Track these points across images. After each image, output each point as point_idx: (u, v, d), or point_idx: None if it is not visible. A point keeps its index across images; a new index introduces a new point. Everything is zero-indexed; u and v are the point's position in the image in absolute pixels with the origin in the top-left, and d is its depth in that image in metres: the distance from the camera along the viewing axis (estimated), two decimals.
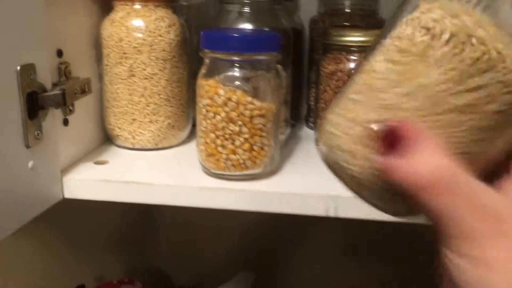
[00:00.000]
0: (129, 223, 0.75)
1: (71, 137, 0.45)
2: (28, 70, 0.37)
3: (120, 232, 0.74)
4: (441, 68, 0.22)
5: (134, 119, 0.49)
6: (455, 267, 0.21)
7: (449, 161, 0.21)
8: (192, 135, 0.52)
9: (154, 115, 0.49)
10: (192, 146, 0.51)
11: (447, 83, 0.22)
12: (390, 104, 0.23)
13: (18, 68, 0.36)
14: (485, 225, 0.20)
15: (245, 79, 0.42)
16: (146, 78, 0.48)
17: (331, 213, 0.42)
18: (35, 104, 0.38)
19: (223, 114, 0.42)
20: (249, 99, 0.41)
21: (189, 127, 0.54)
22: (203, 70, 0.44)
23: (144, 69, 0.48)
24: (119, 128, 0.50)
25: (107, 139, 0.53)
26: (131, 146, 0.51)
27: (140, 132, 0.50)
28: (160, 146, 0.51)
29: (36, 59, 0.38)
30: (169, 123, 0.50)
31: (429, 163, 0.21)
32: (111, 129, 0.51)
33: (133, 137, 0.50)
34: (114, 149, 0.51)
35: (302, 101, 0.63)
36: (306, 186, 0.43)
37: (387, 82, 0.23)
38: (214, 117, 0.42)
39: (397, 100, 0.23)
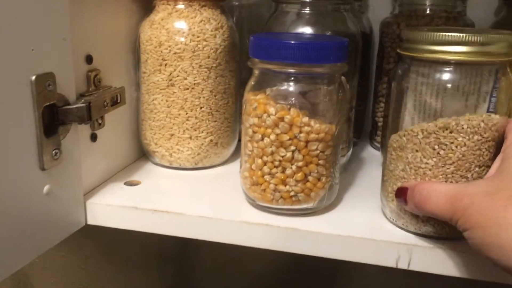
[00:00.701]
0: (167, 242, 0.69)
1: (99, 154, 0.40)
2: (45, 80, 0.31)
3: (158, 250, 0.69)
4: None
5: (172, 134, 0.43)
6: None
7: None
8: (237, 152, 0.46)
9: (195, 130, 0.43)
10: (237, 167, 0.44)
11: None
12: None
13: (33, 78, 0.30)
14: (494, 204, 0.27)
15: (302, 95, 0.35)
16: (187, 89, 0.42)
17: (403, 265, 0.34)
18: (54, 119, 0.33)
19: (273, 137, 0.34)
20: (306, 119, 0.34)
21: (235, 144, 0.47)
22: (251, 82, 0.36)
23: (185, 78, 0.42)
24: (156, 144, 0.44)
25: (142, 154, 0.47)
26: (168, 164, 0.44)
27: (179, 149, 0.43)
28: (200, 165, 0.44)
29: (56, 66, 0.32)
30: (211, 140, 0.44)
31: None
32: (146, 144, 0.45)
33: (171, 155, 0.44)
34: (149, 167, 0.45)
35: (368, 116, 0.54)
36: (370, 227, 0.35)
37: None
38: (262, 139, 0.35)
39: None
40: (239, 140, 0.41)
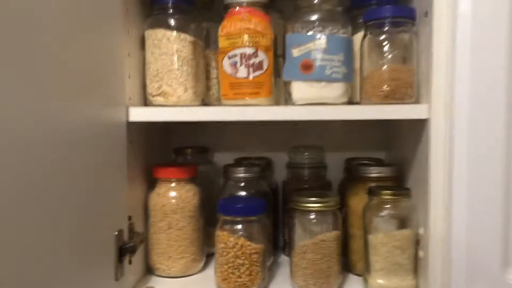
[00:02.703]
0: None
1: (133, 271, 0.70)
2: (120, 233, 0.62)
3: None
4: None
5: (170, 257, 0.74)
6: None
7: None
8: (205, 265, 0.77)
9: (184, 253, 0.75)
10: (207, 273, 0.76)
11: None
12: None
13: (116, 233, 0.62)
14: None
15: (245, 230, 0.69)
16: (179, 229, 0.74)
17: None
18: (121, 253, 0.63)
19: (232, 253, 0.68)
20: (248, 243, 0.68)
21: (204, 259, 0.79)
22: (219, 224, 0.70)
23: (178, 223, 0.74)
24: (159, 263, 0.75)
25: (148, 270, 0.77)
26: (166, 275, 0.75)
27: (174, 265, 0.74)
28: (187, 274, 0.75)
29: (123, 225, 0.64)
30: (193, 258, 0.75)
31: None
32: (153, 263, 0.75)
33: (169, 269, 0.74)
34: (154, 278, 0.75)
35: (280, 236, 0.89)
36: None
37: None
38: (227, 254, 0.68)
39: None
40: (207, 256, 0.73)
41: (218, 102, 0.74)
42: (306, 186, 0.83)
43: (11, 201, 0.39)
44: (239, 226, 0.69)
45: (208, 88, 0.77)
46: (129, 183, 0.67)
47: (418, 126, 0.65)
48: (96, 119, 0.56)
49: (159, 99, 0.72)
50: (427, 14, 0.63)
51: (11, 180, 0.39)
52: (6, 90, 0.38)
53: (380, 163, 0.83)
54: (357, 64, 0.70)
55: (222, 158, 0.93)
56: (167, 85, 0.71)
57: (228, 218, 0.69)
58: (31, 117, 0.42)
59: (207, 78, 0.77)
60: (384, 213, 0.68)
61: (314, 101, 0.67)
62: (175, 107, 0.70)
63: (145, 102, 0.75)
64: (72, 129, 0.49)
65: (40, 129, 0.43)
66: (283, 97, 0.72)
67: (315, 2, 0.67)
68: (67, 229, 0.48)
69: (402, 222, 0.69)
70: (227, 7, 0.72)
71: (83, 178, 0.51)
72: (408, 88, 0.64)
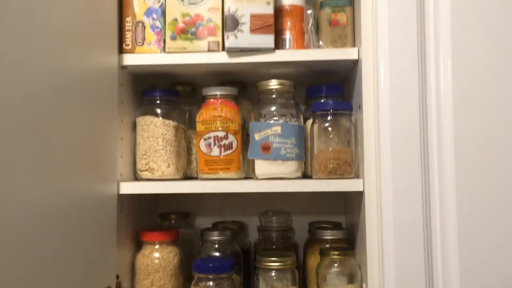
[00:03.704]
0: None
1: None
2: None
3: None
4: None
5: None
6: None
7: None
8: None
9: None
10: None
11: None
12: None
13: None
14: None
15: (216, 286, 0.81)
16: (161, 287, 0.86)
17: None
18: None
19: None
20: None
21: None
22: (194, 282, 0.82)
23: (160, 281, 0.86)
24: None
25: None
26: None
27: None
28: None
29: (111, 282, 0.76)
30: None
31: None
32: None
33: None
34: None
35: None
36: None
37: None
38: None
39: None
40: None
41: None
42: (274, 247, 0.96)
43: (12, 260, 0.52)
44: (211, 283, 0.81)
45: (189, 162, 0.92)
46: (118, 246, 0.80)
47: (358, 196, 0.79)
48: (91, 193, 0.70)
49: (146, 174, 0.86)
50: (360, 107, 0.78)
51: (17, 248, 0.52)
52: (14, 173, 0.53)
53: (336, 227, 0.95)
54: (309, 144, 0.85)
55: (203, 221, 1.07)
56: (153, 162, 0.86)
57: (201, 275, 0.81)
58: (37, 193, 0.56)
59: (189, 154, 0.92)
60: (333, 270, 0.80)
61: (273, 175, 0.81)
62: (159, 181, 0.84)
63: (135, 176, 0.89)
64: (71, 203, 0.63)
65: (43, 203, 0.57)
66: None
67: (273, 96, 0.83)
68: (62, 286, 0.61)
69: (351, 278, 0.81)
70: (204, 98, 0.88)
71: (77, 242, 0.65)
72: (347, 166, 0.79)
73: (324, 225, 0.96)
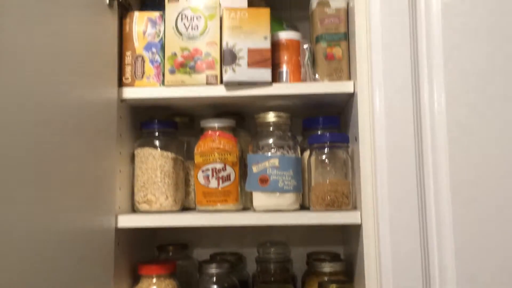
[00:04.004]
0: None
1: None
2: None
3: None
4: None
5: None
6: None
7: None
8: None
9: None
10: None
11: None
12: None
13: None
14: None
15: None
16: None
17: None
18: None
19: None
20: None
21: None
22: None
23: None
24: None
25: None
26: None
27: None
28: None
29: None
30: None
31: None
32: None
33: None
34: None
35: None
36: None
37: None
38: None
39: None
40: None
41: None
42: (272, 279, 0.95)
43: None
44: None
45: (187, 193, 0.92)
46: (115, 280, 0.79)
47: (356, 228, 0.79)
48: (89, 227, 0.70)
49: (145, 206, 0.86)
50: (356, 139, 0.79)
51: (14, 281, 0.52)
52: (11, 207, 0.53)
53: (334, 258, 0.95)
54: (307, 175, 0.85)
55: (201, 252, 1.06)
56: (151, 194, 0.86)
57: None
58: (35, 227, 0.56)
59: (187, 185, 0.92)
60: None
61: (271, 208, 0.81)
62: (157, 214, 0.84)
63: (133, 207, 0.89)
64: (68, 237, 0.63)
65: (41, 237, 0.57)
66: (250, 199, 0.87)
67: (270, 129, 0.84)
68: None
69: None
70: (202, 130, 0.89)
71: (74, 277, 0.64)
72: (345, 198, 0.79)
73: (322, 257, 0.96)
